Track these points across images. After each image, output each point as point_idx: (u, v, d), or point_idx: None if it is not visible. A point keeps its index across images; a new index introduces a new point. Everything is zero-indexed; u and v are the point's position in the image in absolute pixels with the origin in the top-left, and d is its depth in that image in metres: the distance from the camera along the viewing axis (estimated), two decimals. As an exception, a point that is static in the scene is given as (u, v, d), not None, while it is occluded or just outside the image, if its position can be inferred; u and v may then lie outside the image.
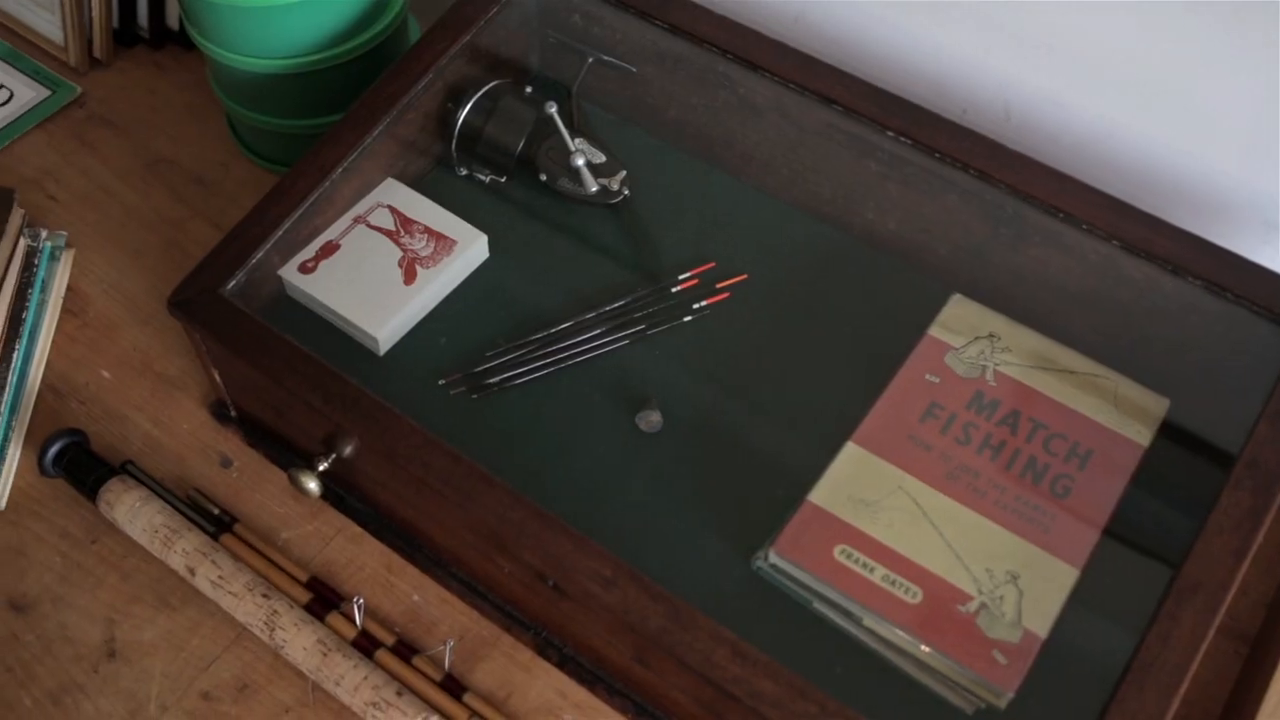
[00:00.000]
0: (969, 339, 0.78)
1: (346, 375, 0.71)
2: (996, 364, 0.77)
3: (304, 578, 0.77)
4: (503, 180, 0.88)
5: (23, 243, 0.87)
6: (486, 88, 0.85)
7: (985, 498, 0.72)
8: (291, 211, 0.78)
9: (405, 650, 0.74)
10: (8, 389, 0.82)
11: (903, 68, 0.89)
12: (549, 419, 0.77)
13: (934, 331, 0.79)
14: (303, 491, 0.75)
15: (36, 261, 0.88)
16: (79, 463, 0.79)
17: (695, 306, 0.81)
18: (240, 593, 0.74)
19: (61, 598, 0.77)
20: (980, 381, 0.76)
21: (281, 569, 0.77)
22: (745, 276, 0.83)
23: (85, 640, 0.75)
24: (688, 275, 0.83)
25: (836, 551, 0.69)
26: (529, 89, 0.88)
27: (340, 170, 0.80)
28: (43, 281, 0.88)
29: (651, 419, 0.76)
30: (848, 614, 0.69)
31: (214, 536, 0.77)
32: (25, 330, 0.85)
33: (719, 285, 0.82)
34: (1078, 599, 0.68)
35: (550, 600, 0.71)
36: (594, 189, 0.84)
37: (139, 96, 1.04)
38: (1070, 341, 0.78)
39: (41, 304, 0.88)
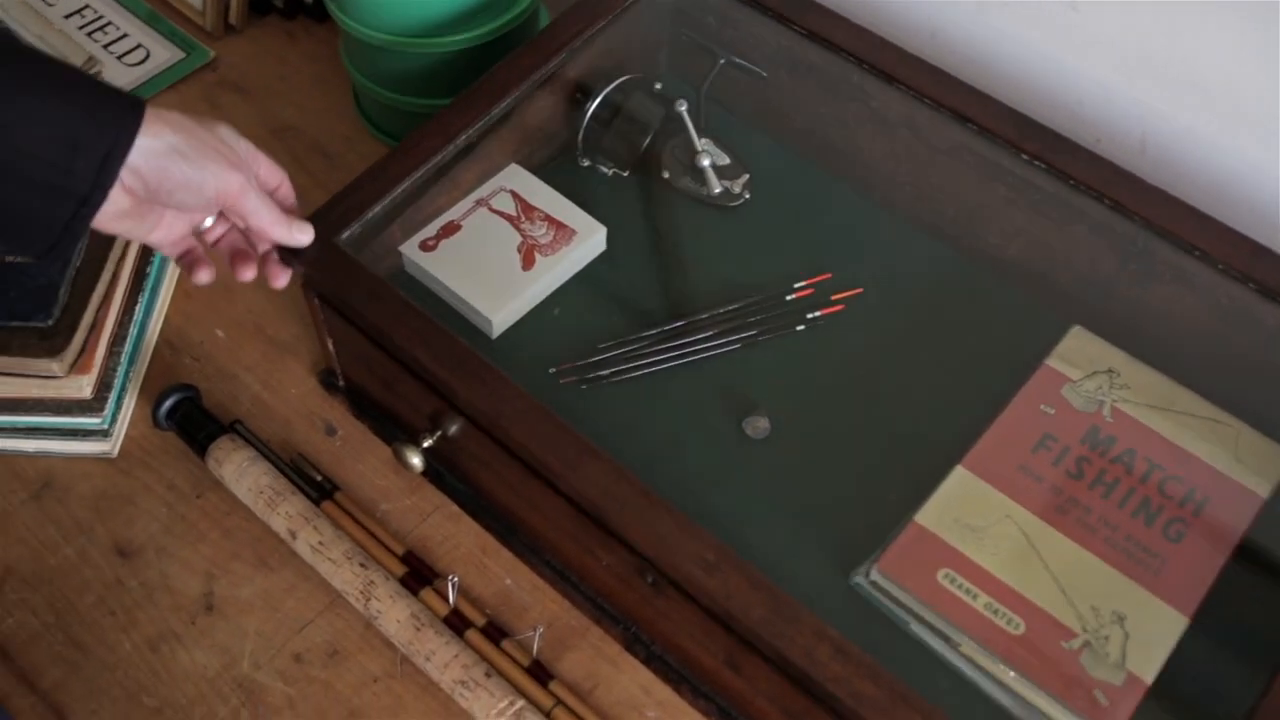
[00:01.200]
0: (1087, 372, 0.77)
1: (456, 334, 0.70)
2: (1114, 400, 0.76)
3: (400, 551, 0.77)
4: (624, 174, 0.88)
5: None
6: (618, 81, 0.85)
7: (1095, 534, 0.70)
8: (411, 172, 0.77)
9: (495, 632, 0.74)
10: (128, 340, 0.84)
11: (1037, 91, 0.87)
12: (656, 416, 0.77)
13: (1052, 362, 0.77)
14: (406, 466, 0.76)
15: (163, 218, 0.89)
16: (191, 418, 0.81)
17: (809, 316, 0.81)
18: (339, 560, 0.75)
19: (165, 548, 0.78)
20: (1097, 416, 0.75)
21: (379, 540, 0.78)
22: (860, 290, 0.82)
23: (185, 591, 0.76)
24: (803, 284, 0.82)
25: (940, 575, 0.69)
26: (658, 85, 0.88)
27: (464, 137, 0.79)
28: (167, 238, 0.90)
29: (759, 424, 0.76)
30: (946, 639, 0.68)
31: (315, 503, 0.78)
32: (148, 285, 0.86)
33: (834, 297, 0.82)
34: (1185, 647, 0.67)
35: (644, 596, 0.70)
36: (717, 190, 0.84)
37: (269, 65, 1.05)
38: (1192, 384, 0.77)
39: (164, 260, 0.89)
